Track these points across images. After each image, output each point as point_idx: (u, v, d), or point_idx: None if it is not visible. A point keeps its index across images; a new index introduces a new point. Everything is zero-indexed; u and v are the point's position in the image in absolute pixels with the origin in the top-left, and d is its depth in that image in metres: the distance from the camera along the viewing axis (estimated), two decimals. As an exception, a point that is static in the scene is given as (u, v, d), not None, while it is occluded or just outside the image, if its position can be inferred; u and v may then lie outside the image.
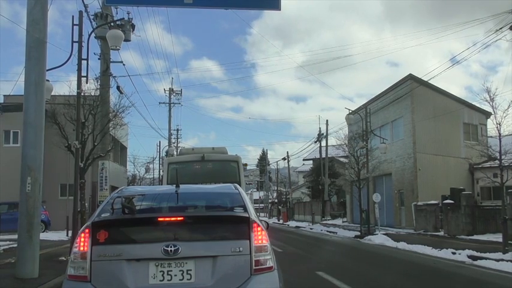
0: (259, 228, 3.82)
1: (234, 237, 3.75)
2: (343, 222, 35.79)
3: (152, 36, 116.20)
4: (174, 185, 4.59)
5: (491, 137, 21.77)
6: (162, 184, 18.91)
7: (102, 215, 3.96)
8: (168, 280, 3.60)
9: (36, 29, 8.84)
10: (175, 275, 3.62)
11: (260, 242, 3.77)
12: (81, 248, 3.68)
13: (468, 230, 19.49)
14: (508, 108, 14.67)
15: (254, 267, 3.68)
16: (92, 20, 14.79)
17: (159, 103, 44.79)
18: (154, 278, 3.59)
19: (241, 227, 3.80)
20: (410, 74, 27.72)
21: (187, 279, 3.61)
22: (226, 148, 15.57)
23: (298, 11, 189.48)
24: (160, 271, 3.61)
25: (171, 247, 3.60)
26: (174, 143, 46.07)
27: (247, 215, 3.90)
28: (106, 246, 3.65)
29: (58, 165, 23.42)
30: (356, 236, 21.94)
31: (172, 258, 3.61)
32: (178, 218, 3.87)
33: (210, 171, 14.31)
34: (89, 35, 12.51)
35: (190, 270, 3.64)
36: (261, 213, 69.06)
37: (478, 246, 14.31)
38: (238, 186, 4.91)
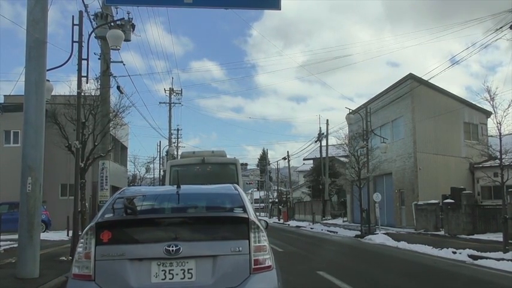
0: (258, 229, 3.90)
1: (234, 237, 3.82)
2: (343, 221, 35.79)
3: (152, 37, 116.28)
4: (175, 186, 4.67)
5: (491, 136, 21.73)
6: (164, 185, 19.31)
7: (106, 216, 4.04)
8: (169, 279, 3.69)
9: (36, 29, 8.83)
10: (177, 274, 3.70)
11: (259, 242, 3.85)
12: (85, 248, 3.76)
13: (469, 230, 19.48)
14: (508, 107, 14.67)
15: (253, 267, 3.75)
16: (92, 20, 14.75)
17: (160, 103, 44.94)
18: (156, 277, 3.68)
19: (240, 227, 3.87)
20: (410, 73, 27.74)
21: (188, 278, 3.70)
22: (226, 150, 16.12)
23: (299, 11, 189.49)
24: (162, 270, 3.69)
25: (172, 247, 3.68)
26: (174, 142, 46.10)
27: (247, 216, 3.97)
28: (109, 246, 3.73)
29: (58, 165, 23.40)
30: (356, 236, 21.93)
31: (174, 258, 3.69)
32: (180, 219, 4.01)
33: (210, 173, 14.86)
34: (89, 35, 12.47)
35: (191, 269, 3.72)
36: (261, 213, 69.11)
37: (479, 246, 14.30)
38: (237, 186, 4.99)
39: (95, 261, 3.70)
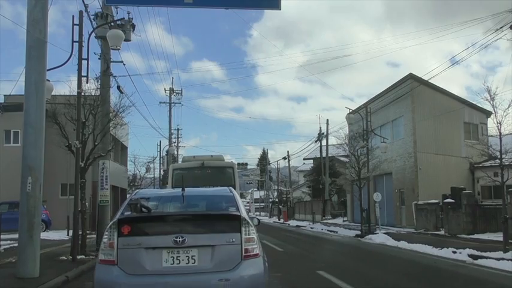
0: (248, 224, 4.73)
1: (229, 231, 4.65)
2: (343, 221, 35.77)
3: (153, 37, 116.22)
4: (180, 189, 5.54)
5: (491, 136, 21.71)
6: (165, 186, 21.59)
7: (125, 213, 4.93)
8: (177, 264, 4.53)
9: (36, 29, 8.84)
10: (183, 260, 4.54)
11: (249, 234, 4.67)
12: (110, 239, 4.59)
13: (469, 229, 19.47)
14: (508, 107, 14.55)
15: (244, 254, 4.59)
16: (92, 20, 14.67)
17: (160, 103, 44.98)
18: (166, 262, 4.52)
19: (234, 223, 4.71)
20: (410, 73, 27.71)
21: (192, 263, 4.54)
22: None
23: (299, 12, 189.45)
24: (171, 257, 4.54)
25: (179, 238, 4.51)
26: (174, 142, 46.08)
27: (239, 213, 4.85)
28: (129, 237, 4.56)
29: (58, 165, 23.40)
30: (357, 235, 21.93)
31: (180, 247, 4.52)
32: (185, 215, 4.96)
33: (209, 176, 16.15)
34: (89, 35, 12.46)
35: (194, 256, 4.56)
36: (261, 213, 69.09)
37: (479, 245, 14.31)
38: (232, 189, 5.92)
39: (117, 249, 4.52)
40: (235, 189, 7.24)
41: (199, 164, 16.68)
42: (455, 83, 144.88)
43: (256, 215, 59.74)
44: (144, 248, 4.51)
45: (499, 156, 14.92)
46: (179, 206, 5.34)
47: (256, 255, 4.66)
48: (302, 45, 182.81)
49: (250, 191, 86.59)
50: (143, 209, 4.87)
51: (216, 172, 16.57)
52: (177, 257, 4.53)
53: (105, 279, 4.51)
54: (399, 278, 9.81)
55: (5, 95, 29.57)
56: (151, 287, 4.46)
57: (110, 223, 4.79)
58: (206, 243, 4.57)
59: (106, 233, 4.68)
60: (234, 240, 4.59)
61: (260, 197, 78.15)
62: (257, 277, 4.61)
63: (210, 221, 4.83)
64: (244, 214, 4.88)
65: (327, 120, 43.69)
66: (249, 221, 4.80)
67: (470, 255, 12.21)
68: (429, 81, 25.70)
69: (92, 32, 13.04)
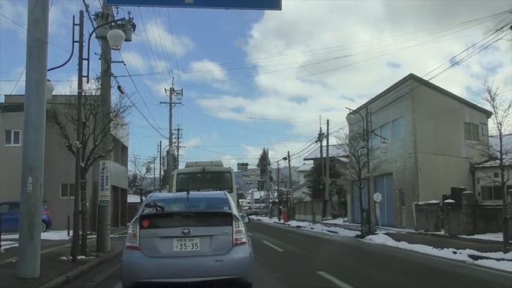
0: (238, 219, 6.24)
1: (223, 224, 6.14)
2: (344, 221, 35.77)
3: (153, 37, 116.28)
4: (185, 192, 7.11)
5: (492, 136, 21.69)
6: (166, 187, 24.14)
7: (144, 211, 6.43)
8: (184, 249, 5.99)
9: (37, 29, 8.84)
10: (188, 246, 6.01)
11: (238, 227, 6.15)
12: (133, 230, 6.05)
13: (469, 230, 19.47)
14: (508, 107, 14.53)
15: (234, 242, 6.07)
16: (93, 20, 14.65)
17: (160, 103, 45.02)
18: (176, 248, 6.00)
19: (227, 219, 6.23)
20: (411, 73, 27.66)
21: (195, 248, 6.01)
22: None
23: (300, 12, 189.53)
24: (179, 243, 6.01)
25: (185, 230, 5.99)
26: (175, 142, 46.08)
27: (231, 211, 6.38)
28: (148, 229, 6.02)
29: (59, 165, 23.37)
30: (357, 236, 21.92)
31: (187, 236, 5.99)
32: (190, 213, 6.50)
33: (209, 179, 18.25)
34: (90, 35, 12.45)
35: (197, 243, 6.02)
36: (262, 213, 69.04)
37: (479, 246, 14.30)
38: (227, 193, 7.46)
39: (139, 238, 5.98)
40: (232, 191, 9.45)
41: (200, 169, 18.78)
42: (455, 83, 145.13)
43: (238, 212, 60.14)
44: (159, 237, 5.98)
45: (499, 157, 14.92)
46: (185, 206, 6.88)
47: (243, 243, 6.13)
48: (302, 46, 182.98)
49: (250, 191, 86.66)
50: (158, 208, 6.39)
51: (215, 176, 18.55)
52: (184, 243, 5.98)
53: (130, 260, 5.97)
54: (399, 278, 9.81)
55: (5, 95, 29.53)
56: (165, 266, 5.87)
57: (134, 219, 6.23)
58: (206, 233, 6.04)
59: (130, 226, 6.15)
60: (227, 231, 6.07)
61: (260, 197, 78.19)
62: (244, 259, 6.08)
63: (209, 217, 6.43)
64: (235, 212, 6.40)
65: (327, 120, 43.74)
66: (239, 217, 6.33)
67: (470, 256, 12.21)
68: (429, 81, 25.69)
69: (92, 32, 13.03)
